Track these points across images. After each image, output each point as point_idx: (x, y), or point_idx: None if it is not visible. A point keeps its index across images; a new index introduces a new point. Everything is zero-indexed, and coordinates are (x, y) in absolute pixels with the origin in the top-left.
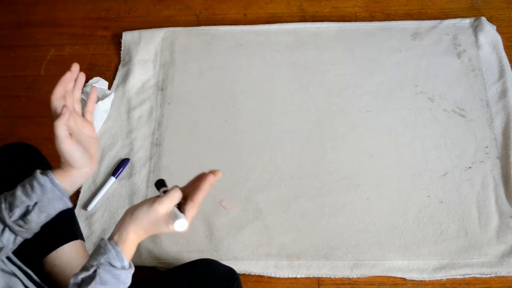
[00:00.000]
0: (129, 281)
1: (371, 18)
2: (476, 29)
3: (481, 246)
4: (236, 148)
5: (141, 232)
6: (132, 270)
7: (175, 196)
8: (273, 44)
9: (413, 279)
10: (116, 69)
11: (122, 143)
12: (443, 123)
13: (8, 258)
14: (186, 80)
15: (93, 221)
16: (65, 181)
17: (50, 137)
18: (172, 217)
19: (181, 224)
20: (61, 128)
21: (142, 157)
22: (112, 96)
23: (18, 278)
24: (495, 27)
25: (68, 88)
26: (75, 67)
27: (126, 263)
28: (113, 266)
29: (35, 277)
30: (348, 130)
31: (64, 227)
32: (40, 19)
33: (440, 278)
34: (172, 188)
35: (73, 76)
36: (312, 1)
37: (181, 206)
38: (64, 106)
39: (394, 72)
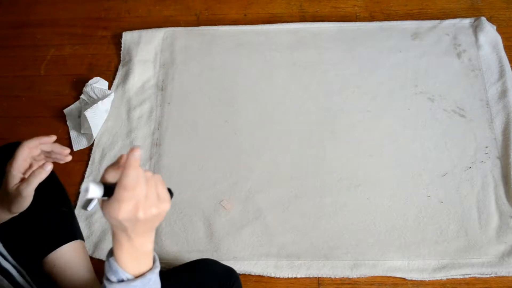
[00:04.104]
0: None
1: (371, 18)
2: (476, 29)
3: (481, 246)
4: (236, 148)
5: (115, 229)
6: (135, 282)
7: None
8: (273, 44)
9: (413, 279)
10: (116, 69)
11: (122, 143)
12: (443, 123)
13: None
14: (186, 80)
15: (93, 221)
16: None
17: None
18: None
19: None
20: (40, 178)
21: (142, 157)
22: (112, 96)
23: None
24: (495, 27)
25: (41, 150)
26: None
27: (123, 275)
28: (109, 281)
29: (18, 277)
30: (348, 130)
31: (64, 227)
32: (40, 19)
33: (440, 278)
34: None
35: (51, 140)
36: (312, 1)
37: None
38: (47, 162)
39: (394, 72)
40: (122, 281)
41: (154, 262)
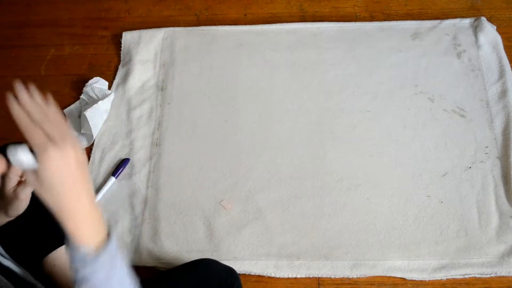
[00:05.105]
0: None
1: (371, 18)
2: (476, 29)
3: (481, 246)
4: (236, 148)
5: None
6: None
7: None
8: (273, 44)
9: (413, 279)
10: (116, 69)
11: (122, 143)
12: (443, 123)
13: None
14: (186, 80)
15: None
16: None
17: None
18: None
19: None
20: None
21: (142, 157)
22: (112, 96)
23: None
24: (495, 27)
25: None
26: None
27: (84, 249)
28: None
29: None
30: (348, 130)
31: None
32: (40, 19)
33: (440, 278)
34: None
35: None
36: (312, 1)
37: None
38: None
39: (394, 72)
40: (84, 261)
41: (108, 234)
